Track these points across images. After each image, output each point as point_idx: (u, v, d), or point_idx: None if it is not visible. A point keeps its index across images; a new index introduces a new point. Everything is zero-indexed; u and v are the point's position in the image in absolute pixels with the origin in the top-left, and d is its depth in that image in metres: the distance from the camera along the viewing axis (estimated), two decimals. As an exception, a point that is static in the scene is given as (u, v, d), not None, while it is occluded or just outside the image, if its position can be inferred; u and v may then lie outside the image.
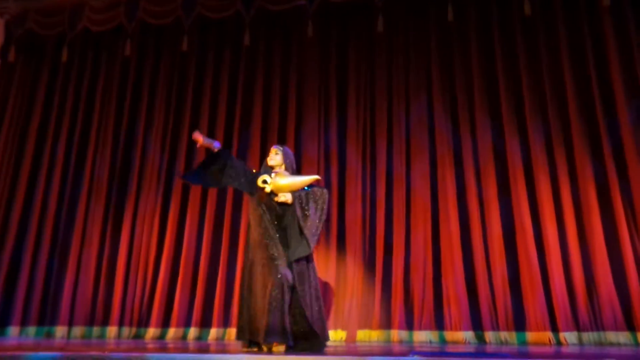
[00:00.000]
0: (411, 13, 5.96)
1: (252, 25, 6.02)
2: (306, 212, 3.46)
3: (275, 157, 3.64)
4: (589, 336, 4.56)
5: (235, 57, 6.26)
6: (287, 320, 3.19)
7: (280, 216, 3.48)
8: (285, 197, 3.47)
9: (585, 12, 5.45)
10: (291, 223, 3.45)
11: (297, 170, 5.34)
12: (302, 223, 3.42)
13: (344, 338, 5.03)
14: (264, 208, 3.49)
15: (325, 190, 3.65)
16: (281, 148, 3.71)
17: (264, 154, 5.80)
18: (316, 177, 3.60)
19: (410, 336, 4.92)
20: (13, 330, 5.59)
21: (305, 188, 3.57)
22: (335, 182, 5.59)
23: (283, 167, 3.63)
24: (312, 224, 3.45)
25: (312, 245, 3.42)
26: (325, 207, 3.58)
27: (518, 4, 5.53)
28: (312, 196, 3.55)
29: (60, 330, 5.53)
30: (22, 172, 6.24)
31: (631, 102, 5.09)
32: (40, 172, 6.21)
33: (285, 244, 3.40)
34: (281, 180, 3.48)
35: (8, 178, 6.25)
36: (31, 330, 5.62)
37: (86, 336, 5.47)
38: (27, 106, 6.54)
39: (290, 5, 5.85)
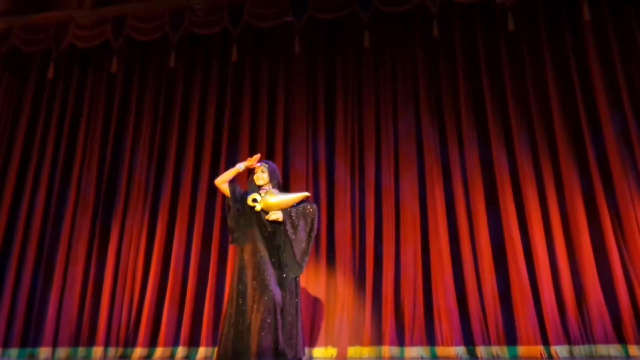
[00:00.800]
0: (397, 29, 6.03)
1: (239, 41, 6.03)
2: (297, 230, 3.45)
3: (262, 175, 3.63)
4: (580, 349, 4.56)
5: (223, 72, 6.26)
6: (281, 340, 3.15)
7: (272, 234, 3.45)
8: (276, 215, 3.45)
9: (568, 27, 5.56)
10: (283, 242, 3.43)
11: (285, 185, 5.35)
12: (293, 243, 3.39)
13: (334, 355, 4.97)
14: (255, 226, 3.46)
15: (314, 206, 3.64)
16: (267, 166, 3.69)
17: (252, 168, 5.79)
18: (306, 194, 3.61)
19: (402, 352, 4.86)
20: (-6, 353, 5.44)
21: (295, 205, 3.56)
22: (324, 196, 5.57)
23: (270, 185, 3.62)
24: (302, 242, 3.44)
25: (304, 264, 3.41)
26: (315, 222, 3.57)
27: (502, 20, 5.62)
28: (302, 212, 3.54)
29: (44, 352, 5.38)
30: (7, 188, 6.11)
31: (614, 114, 5.17)
32: (25, 189, 6.09)
33: (277, 263, 3.37)
34: (271, 199, 3.47)
35: (-8, 195, 6.14)
36: (13, 352, 5.46)
37: (71, 357, 5.34)
38: (12, 123, 6.45)
39: (277, 22, 5.88)
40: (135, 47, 6.49)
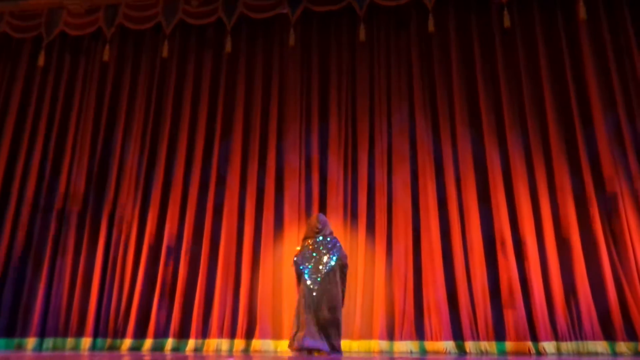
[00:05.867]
0: (392, 23, 6.01)
1: (233, 33, 5.98)
2: None
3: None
4: (568, 346, 4.60)
5: (217, 64, 6.21)
6: None
7: None
8: None
9: (563, 24, 5.57)
10: None
11: (278, 181, 5.39)
12: None
13: (324, 348, 4.97)
14: None
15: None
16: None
17: (245, 162, 5.79)
18: None
19: (391, 346, 4.89)
20: (-19, 343, 5.39)
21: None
22: (317, 192, 5.56)
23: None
24: None
25: None
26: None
27: (497, 16, 5.62)
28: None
29: (31, 342, 5.35)
30: (-5, 177, 6.06)
31: (607, 113, 5.19)
32: (14, 179, 6.02)
33: None
34: None
35: (-20, 184, 6.06)
36: (0, 342, 5.42)
37: (59, 348, 5.31)
38: (2, 111, 6.36)
39: (272, 13, 5.84)
40: (128, 36, 6.42)
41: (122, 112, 6.18)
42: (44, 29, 6.24)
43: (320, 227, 4.43)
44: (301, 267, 4.32)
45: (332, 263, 4.27)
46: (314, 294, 4.18)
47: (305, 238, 4.49)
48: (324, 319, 4.12)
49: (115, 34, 6.30)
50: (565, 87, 5.38)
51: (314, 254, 4.31)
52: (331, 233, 4.53)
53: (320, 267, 4.26)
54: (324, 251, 4.33)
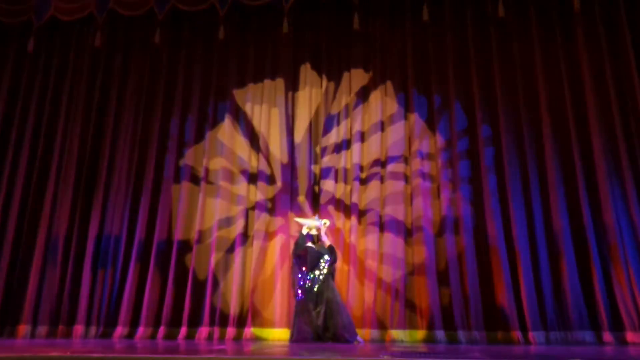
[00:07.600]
0: (387, 11, 5.97)
1: (226, 20, 5.92)
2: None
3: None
4: (556, 335, 4.65)
5: (209, 51, 6.15)
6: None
7: None
8: None
9: (558, 15, 5.55)
10: None
11: (271, 169, 5.32)
12: None
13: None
14: None
15: None
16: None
17: (237, 150, 5.76)
18: None
19: (383, 335, 4.93)
20: (-28, 330, 5.37)
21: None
22: (308, 180, 5.55)
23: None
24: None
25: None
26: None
27: (492, 5, 5.59)
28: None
29: (23, 329, 5.33)
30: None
31: (600, 107, 5.19)
32: (4, 166, 5.97)
33: None
34: None
35: (-30, 172, 5.99)
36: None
37: (51, 335, 5.30)
38: (-10, 97, 6.28)
39: (266, 0, 5.77)
40: (119, 22, 6.32)
41: (114, 99, 6.11)
42: (34, 14, 6.12)
43: (315, 241, 4.87)
44: (299, 272, 4.78)
45: (327, 265, 4.74)
46: (313, 293, 4.62)
47: (301, 246, 4.87)
48: (323, 316, 4.55)
49: (107, 20, 6.19)
50: (559, 77, 5.38)
51: (312, 260, 4.78)
52: (326, 244, 4.88)
53: (317, 272, 4.72)
54: (321, 259, 4.77)
